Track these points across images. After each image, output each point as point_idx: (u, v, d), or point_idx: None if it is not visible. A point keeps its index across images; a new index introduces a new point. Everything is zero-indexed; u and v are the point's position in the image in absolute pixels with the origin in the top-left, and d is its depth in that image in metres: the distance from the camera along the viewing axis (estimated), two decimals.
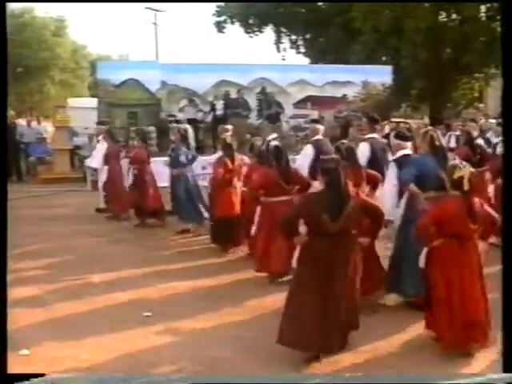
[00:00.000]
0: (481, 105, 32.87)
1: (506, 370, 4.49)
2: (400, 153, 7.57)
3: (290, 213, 6.24)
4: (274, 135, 10.94)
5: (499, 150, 10.38)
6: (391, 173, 7.45)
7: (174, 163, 11.48)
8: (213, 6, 29.88)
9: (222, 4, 29.85)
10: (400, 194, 7.34)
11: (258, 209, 8.42)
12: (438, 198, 6.53)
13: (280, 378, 4.71)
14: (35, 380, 3.59)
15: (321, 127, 10.25)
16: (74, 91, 44.73)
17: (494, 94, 29.44)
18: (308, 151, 9.69)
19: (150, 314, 7.15)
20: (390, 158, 8.22)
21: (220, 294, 7.90)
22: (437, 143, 7.36)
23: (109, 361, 5.92)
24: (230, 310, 7.31)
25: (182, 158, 11.45)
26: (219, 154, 10.41)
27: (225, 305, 7.47)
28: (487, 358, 5.80)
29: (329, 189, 5.83)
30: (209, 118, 17.40)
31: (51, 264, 9.32)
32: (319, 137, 9.98)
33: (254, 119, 17.74)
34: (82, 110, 20.84)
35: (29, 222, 12.34)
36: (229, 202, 9.85)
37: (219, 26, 30.10)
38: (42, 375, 3.81)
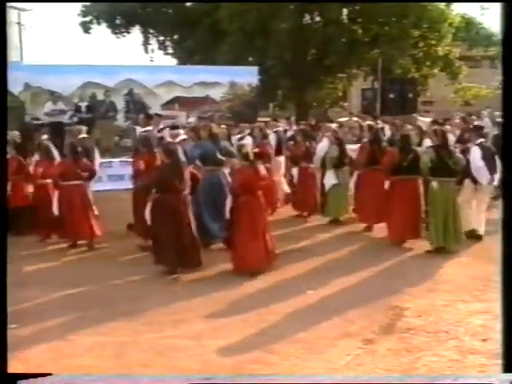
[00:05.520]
0: (345, 104, 34.16)
1: (506, 369, 4.57)
2: (179, 138, 10.60)
3: (149, 181, 8.71)
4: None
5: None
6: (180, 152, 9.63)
7: None
8: (78, 6, 29.19)
9: (88, 3, 29.15)
10: None
11: (56, 192, 10.21)
12: (213, 171, 9.85)
13: (280, 378, 4.87)
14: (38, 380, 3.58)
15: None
16: None
17: (356, 93, 30.61)
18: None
19: None
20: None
21: None
22: (214, 132, 10.25)
23: None
24: None
25: None
26: None
27: None
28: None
29: (173, 163, 8.46)
30: (74, 121, 17.00)
31: None
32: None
33: (121, 121, 17.59)
34: None
35: None
36: (20, 193, 11.14)
37: (85, 27, 29.36)
38: (41, 375, 3.81)
